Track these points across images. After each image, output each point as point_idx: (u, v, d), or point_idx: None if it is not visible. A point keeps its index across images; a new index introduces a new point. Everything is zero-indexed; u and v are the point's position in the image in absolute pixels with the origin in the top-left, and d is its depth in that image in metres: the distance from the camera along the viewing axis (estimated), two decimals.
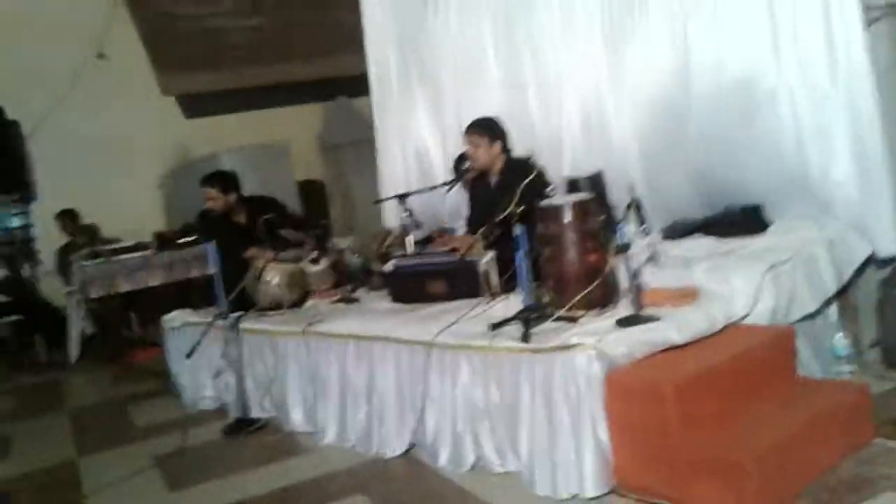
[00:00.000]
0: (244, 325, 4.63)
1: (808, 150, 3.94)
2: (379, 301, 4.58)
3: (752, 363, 3.12)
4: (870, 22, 3.76)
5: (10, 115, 8.56)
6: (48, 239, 8.94)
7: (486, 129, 4.50)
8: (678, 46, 4.39)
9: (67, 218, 8.04)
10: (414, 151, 6.34)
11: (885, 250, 3.82)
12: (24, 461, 4.62)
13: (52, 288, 8.42)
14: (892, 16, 3.88)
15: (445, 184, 4.85)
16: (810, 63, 3.88)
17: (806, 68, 3.91)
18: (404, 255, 4.61)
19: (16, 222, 8.93)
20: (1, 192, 8.54)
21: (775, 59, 4.02)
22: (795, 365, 3.33)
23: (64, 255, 7.80)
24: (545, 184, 4.09)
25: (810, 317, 3.66)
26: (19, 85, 8.63)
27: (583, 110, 5.03)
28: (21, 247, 8.83)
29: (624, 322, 3.24)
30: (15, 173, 8.59)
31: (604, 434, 2.94)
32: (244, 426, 4.44)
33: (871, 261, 3.89)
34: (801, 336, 3.47)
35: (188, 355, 4.68)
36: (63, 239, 8.11)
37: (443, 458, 3.51)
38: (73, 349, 7.04)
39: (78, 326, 7.06)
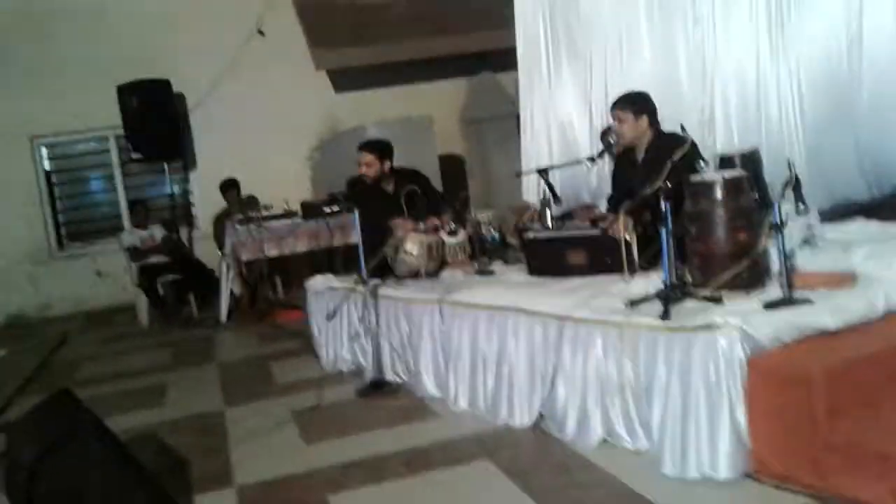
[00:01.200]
0: (382, 291, 4.74)
1: None
2: (515, 274, 4.57)
3: None
4: None
5: (176, 88, 9.11)
6: (205, 205, 9.52)
7: (633, 103, 4.36)
8: (851, 11, 4.09)
9: (231, 188, 8.48)
10: (558, 126, 6.27)
11: None
12: (177, 407, 4.95)
13: (206, 251, 8.96)
14: None
15: (590, 159, 4.75)
16: None
17: None
18: (544, 228, 4.56)
19: (176, 188, 9.53)
20: (164, 160, 9.11)
21: None
22: None
23: (220, 220, 8.27)
24: (697, 158, 3.91)
25: None
26: (185, 60, 9.21)
27: (740, 84, 4.80)
28: (180, 211, 9.42)
29: (772, 304, 3.08)
30: (177, 143, 9.14)
31: (742, 417, 2.82)
32: (378, 388, 4.56)
33: None
34: None
35: (329, 318, 4.84)
36: (220, 206, 8.58)
37: (570, 431, 3.47)
38: (224, 308, 7.45)
39: (228, 288, 7.45)
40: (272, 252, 7.45)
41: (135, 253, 8.20)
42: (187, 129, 9.64)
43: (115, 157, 9.74)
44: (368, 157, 5.23)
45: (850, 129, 4.16)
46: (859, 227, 3.79)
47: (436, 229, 5.13)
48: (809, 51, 4.35)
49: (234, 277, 7.40)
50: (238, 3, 9.45)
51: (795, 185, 3.26)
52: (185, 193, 9.91)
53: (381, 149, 5.29)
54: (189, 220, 9.73)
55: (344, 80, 9.91)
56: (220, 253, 7.65)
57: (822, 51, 4.28)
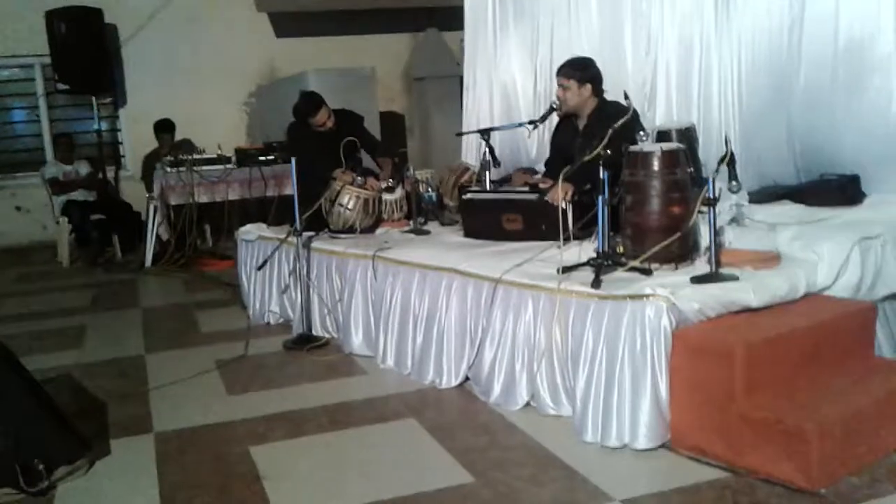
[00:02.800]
0: (316, 244, 4.68)
1: None
2: (450, 234, 4.56)
3: (829, 335, 3.00)
4: None
5: (108, 18, 8.71)
6: (134, 144, 9.19)
7: (578, 69, 4.34)
8: (794, 3, 4.15)
9: (167, 130, 8.16)
10: (501, 88, 6.24)
11: None
12: (96, 351, 4.81)
13: (132, 192, 8.67)
14: None
15: (531, 122, 4.74)
16: None
17: None
18: (482, 189, 4.55)
19: (103, 125, 9.16)
20: (92, 93, 8.73)
21: (895, 23, 3.77)
22: (873, 343, 3.18)
23: (149, 161, 7.97)
24: (638, 128, 3.93)
25: (893, 296, 3.48)
26: None
27: (683, 59, 4.84)
28: (107, 149, 9.06)
29: (700, 279, 3.15)
30: (107, 77, 8.76)
31: (664, 389, 2.90)
32: (305, 342, 4.52)
33: None
34: (882, 315, 3.31)
35: (259, 267, 4.76)
36: (150, 146, 8.29)
37: (496, 394, 3.52)
38: (149, 252, 7.25)
39: (154, 231, 7.24)
40: (203, 198, 7.25)
41: (56, 185, 7.89)
42: (118, 63, 9.26)
43: (40, 86, 9.30)
44: (326, 112, 5.26)
45: (784, 113, 4.24)
46: (786, 210, 3.88)
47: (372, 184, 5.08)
48: (752, 31, 4.40)
49: (161, 221, 7.18)
50: None
51: (731, 161, 3.31)
52: (114, 131, 9.54)
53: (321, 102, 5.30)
54: (116, 159, 9.39)
55: (286, 24, 9.64)
56: (147, 195, 7.40)
57: (763, 33, 4.33)
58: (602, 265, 3.30)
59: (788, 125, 4.24)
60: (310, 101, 5.32)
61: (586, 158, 3.45)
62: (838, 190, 3.88)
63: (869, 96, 3.89)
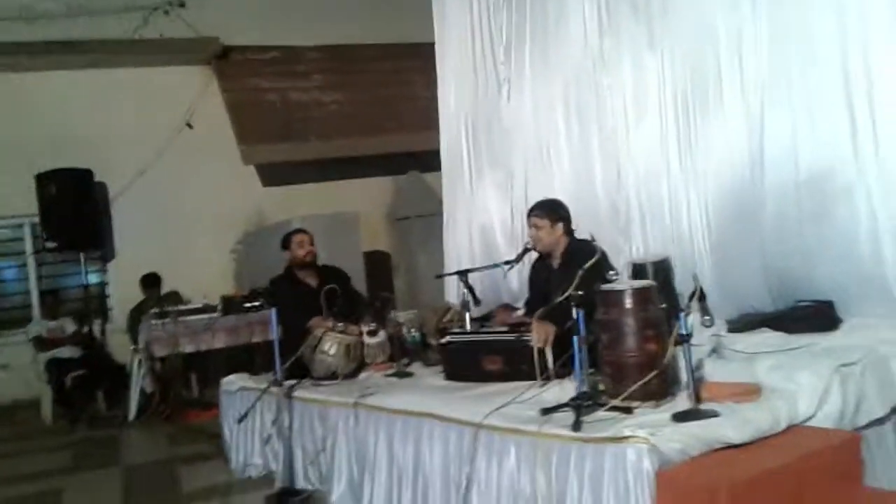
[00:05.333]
0: (298, 393, 4.63)
1: (884, 248, 3.81)
2: (433, 377, 4.53)
3: (815, 469, 2.93)
4: None
5: (99, 177, 8.97)
6: (122, 297, 9.23)
7: (549, 210, 4.47)
8: (753, 137, 4.34)
9: (153, 284, 8.21)
10: (480, 229, 6.37)
11: None
12: None
13: (119, 345, 8.63)
14: None
15: (507, 262, 4.82)
16: (889, 159, 3.77)
17: (884, 165, 3.80)
18: (462, 331, 4.56)
19: (92, 279, 9.24)
20: (80, 250, 8.85)
21: (853, 153, 3.94)
22: (862, 473, 3.11)
23: (135, 314, 8.00)
24: (607, 267, 4.00)
25: (879, 422, 3.44)
26: (109, 148, 9.08)
27: (653, 194, 4.99)
28: (93, 303, 9.10)
29: (680, 416, 3.11)
30: (96, 233, 8.92)
31: None
32: (288, 497, 4.38)
33: None
34: (869, 443, 3.26)
35: (239, 420, 4.69)
36: (138, 298, 8.32)
37: None
38: (133, 406, 7.14)
39: (139, 384, 7.16)
40: (188, 347, 7.21)
41: (40, 343, 7.86)
42: (108, 219, 9.44)
43: (28, 245, 9.42)
44: (306, 238, 5.38)
45: (754, 243, 4.33)
46: (764, 339, 3.90)
47: (355, 330, 5.08)
48: (715, 166, 4.56)
49: (145, 374, 7.12)
50: (168, 94, 9.44)
51: (701, 296, 3.35)
52: (102, 284, 9.61)
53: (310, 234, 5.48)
54: (103, 312, 9.40)
55: (272, 174, 9.93)
56: (132, 347, 7.37)
57: (727, 166, 4.49)
58: (582, 406, 3.27)
59: (761, 254, 4.32)
60: (292, 231, 5.49)
61: (558, 300, 3.49)
62: (814, 316, 3.92)
63: (836, 224, 3.99)
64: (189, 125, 9.54)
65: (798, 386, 3.29)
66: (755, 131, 4.35)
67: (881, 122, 3.80)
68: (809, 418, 3.24)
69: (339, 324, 4.99)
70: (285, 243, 5.44)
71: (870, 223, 3.86)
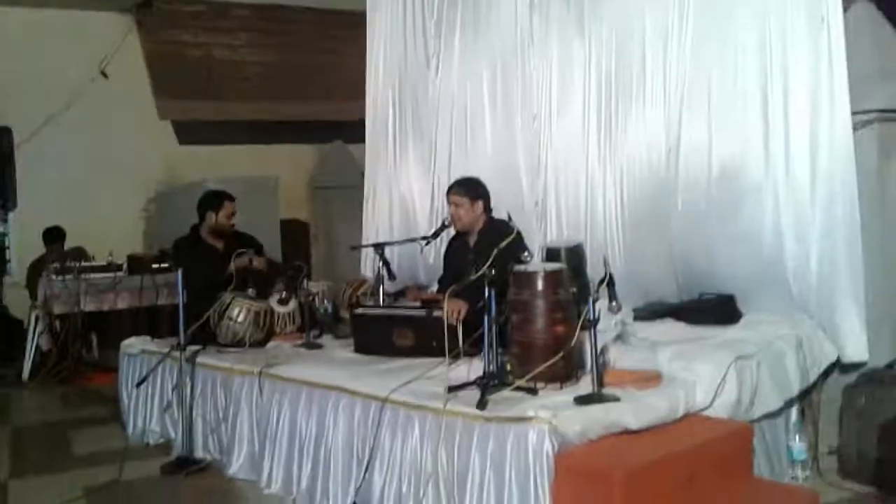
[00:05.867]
0: (201, 359, 4.51)
1: (786, 246, 3.94)
2: (342, 350, 4.48)
3: (708, 457, 3.03)
4: (859, 125, 3.78)
5: (4, 121, 8.50)
6: (22, 249, 8.81)
7: (469, 189, 4.47)
8: (671, 131, 4.42)
9: (56, 239, 7.83)
10: (400, 202, 6.32)
11: (850, 356, 3.80)
12: None
13: (16, 300, 8.23)
14: (882, 121, 3.91)
15: (424, 238, 4.80)
16: (796, 161, 3.91)
17: (791, 166, 3.94)
18: (374, 304, 4.52)
19: None
20: None
21: (764, 154, 4.06)
22: (752, 464, 3.24)
23: (35, 268, 7.64)
24: (522, 248, 4.02)
25: (771, 415, 3.59)
26: (18, 92, 8.60)
27: (571, 180, 5.04)
28: None
29: (582, 399, 3.16)
30: None
31: None
32: (185, 465, 4.28)
33: (837, 365, 3.85)
34: (759, 434, 3.39)
35: (138, 384, 4.55)
36: (38, 252, 7.95)
37: None
38: (27, 365, 6.84)
39: (34, 342, 6.87)
40: (90, 307, 6.95)
41: None
42: (11, 167, 8.95)
43: None
44: (235, 209, 5.27)
45: (665, 234, 4.43)
46: (667, 328, 4.00)
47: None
48: (632, 156, 4.64)
49: (42, 331, 6.82)
50: (84, 40, 9.00)
51: (609, 282, 3.40)
52: (1, 235, 9.16)
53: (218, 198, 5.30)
54: (1, 264, 8.96)
55: (189, 132, 9.61)
56: (30, 303, 7.05)
57: (643, 157, 4.57)
58: (488, 385, 3.29)
59: (670, 246, 4.42)
60: (220, 192, 5.28)
61: (472, 278, 3.49)
62: (716, 309, 4.03)
63: (742, 221, 4.11)
64: (104, 74, 9.11)
65: (697, 376, 3.39)
66: (673, 125, 4.43)
67: (793, 126, 3.92)
68: (706, 408, 3.34)
69: (250, 290, 4.89)
70: (215, 205, 5.22)
71: (774, 222, 3.99)
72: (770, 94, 4.01)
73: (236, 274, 4.93)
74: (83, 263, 7.03)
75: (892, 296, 3.87)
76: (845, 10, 3.82)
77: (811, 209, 3.85)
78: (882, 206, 3.90)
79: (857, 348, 3.75)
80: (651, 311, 4.24)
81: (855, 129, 3.75)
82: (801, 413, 3.76)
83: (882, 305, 3.84)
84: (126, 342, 5.23)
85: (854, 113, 3.75)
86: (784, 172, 3.96)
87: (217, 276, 4.94)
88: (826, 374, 3.86)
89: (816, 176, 3.83)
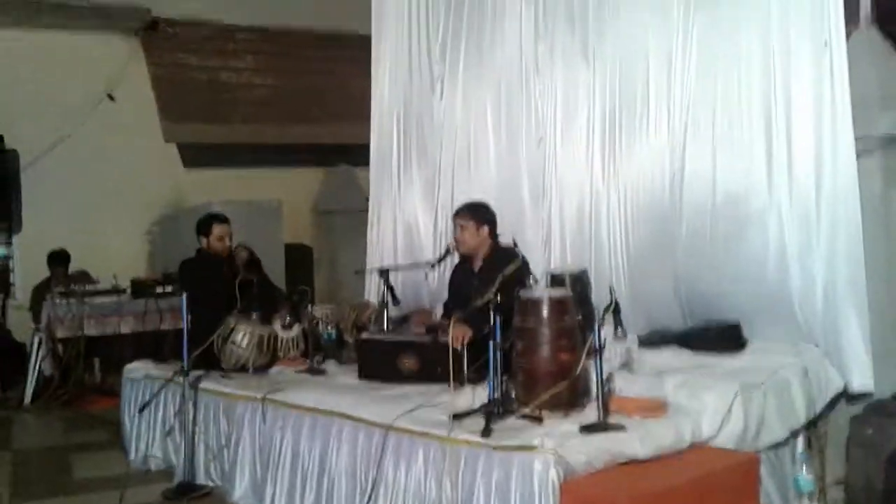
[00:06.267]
0: (204, 384, 4.50)
1: (792, 274, 3.92)
2: (346, 375, 4.46)
3: (714, 488, 3.01)
4: (863, 152, 3.78)
5: (10, 143, 8.54)
6: (26, 273, 8.81)
7: (475, 213, 4.48)
8: (675, 156, 4.42)
9: (60, 262, 7.80)
10: (405, 226, 6.31)
11: (856, 385, 3.77)
12: None
13: (20, 323, 8.22)
14: (886, 148, 3.91)
15: (429, 263, 4.79)
16: (801, 188, 3.90)
17: (796, 193, 3.92)
18: (379, 330, 4.51)
19: None
20: None
21: (768, 180, 4.05)
22: (758, 494, 3.20)
23: (39, 292, 7.64)
24: (527, 275, 4.02)
25: (777, 445, 3.56)
26: (24, 115, 8.65)
27: (576, 206, 5.03)
28: None
29: (588, 428, 3.15)
30: (3, 203, 8.49)
31: None
32: (187, 492, 4.26)
33: (843, 395, 3.82)
34: (765, 464, 3.37)
35: (141, 409, 4.54)
36: (42, 275, 7.94)
37: None
38: (29, 388, 6.82)
39: (37, 366, 6.85)
40: (93, 331, 6.94)
41: None
42: (17, 189, 8.99)
43: None
44: (228, 231, 5.25)
45: (669, 260, 4.42)
46: (673, 355, 3.97)
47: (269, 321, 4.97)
48: (636, 182, 4.63)
49: (45, 355, 6.81)
50: (90, 64, 9.06)
51: (615, 310, 3.39)
52: (6, 258, 9.17)
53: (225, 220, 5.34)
54: (5, 288, 8.96)
55: (194, 155, 9.64)
56: (33, 327, 7.04)
57: (647, 183, 4.56)
58: (493, 412, 3.27)
59: (674, 272, 4.41)
60: (211, 215, 5.30)
61: (478, 304, 3.49)
62: (721, 336, 4.01)
63: (747, 247, 4.10)
64: (111, 97, 9.17)
65: (703, 405, 3.37)
66: (677, 151, 4.43)
67: (796, 152, 3.91)
68: (712, 437, 3.32)
69: (254, 315, 4.88)
70: (204, 229, 5.25)
71: (778, 248, 3.97)
72: (774, 119, 4.01)
73: (241, 294, 4.91)
74: (87, 287, 7.02)
75: None
76: (848, 35, 3.82)
77: (816, 236, 3.83)
78: (886, 232, 3.88)
79: (863, 378, 3.72)
80: (656, 339, 4.21)
81: (858, 155, 3.74)
82: (808, 443, 3.73)
83: (888, 334, 3.81)
84: (129, 367, 5.22)
85: (857, 139, 3.74)
86: (788, 198, 3.94)
87: (226, 288, 4.93)
88: (832, 404, 3.82)
89: (821, 202, 3.81)
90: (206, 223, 5.28)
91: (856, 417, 3.72)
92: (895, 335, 3.84)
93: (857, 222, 3.71)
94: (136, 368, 5.14)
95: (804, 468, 3.55)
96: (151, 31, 9.41)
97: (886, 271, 3.84)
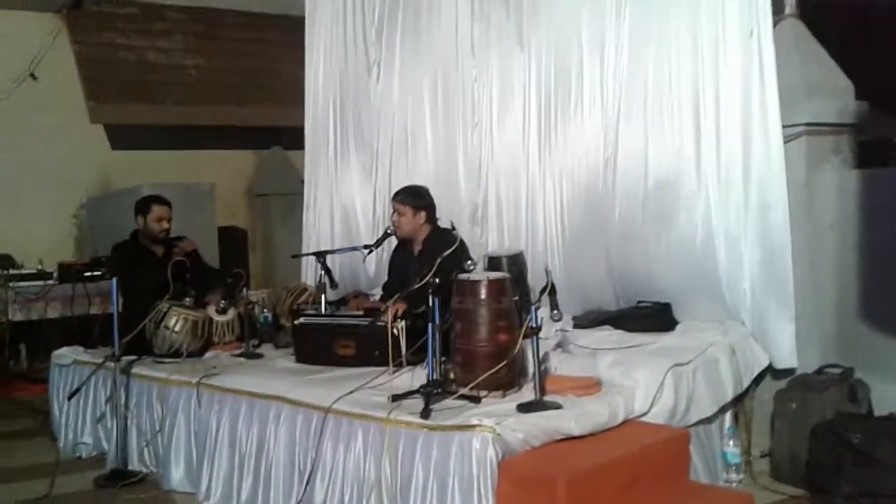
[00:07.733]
0: (136, 369, 4.42)
1: (720, 256, 4.04)
2: (283, 359, 4.43)
3: (647, 463, 3.11)
4: (788, 138, 3.91)
5: None
6: None
7: (412, 197, 4.49)
8: (609, 141, 4.50)
9: None
10: (342, 209, 6.29)
11: (781, 362, 3.92)
12: None
13: None
14: (811, 134, 4.05)
15: (366, 247, 4.78)
16: (729, 172, 4.01)
17: (724, 177, 4.03)
18: (316, 313, 4.49)
19: None
20: None
21: (696, 163, 4.14)
22: (688, 468, 3.32)
23: None
24: (465, 257, 4.04)
25: (706, 421, 3.68)
26: None
27: (512, 188, 5.09)
28: None
29: (525, 407, 3.20)
30: None
31: None
32: (119, 479, 4.18)
33: (769, 371, 3.97)
34: (694, 439, 3.48)
35: (70, 396, 4.42)
36: None
37: None
38: None
39: None
40: (18, 316, 6.72)
41: None
42: None
43: None
44: (167, 213, 5.16)
45: (603, 243, 4.51)
46: (606, 335, 4.07)
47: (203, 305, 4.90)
48: (571, 165, 4.71)
49: None
50: (12, 41, 8.68)
51: (551, 291, 3.44)
52: None
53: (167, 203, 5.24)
54: None
55: (122, 136, 9.36)
56: None
57: (582, 167, 4.65)
58: (432, 393, 3.30)
59: (608, 254, 4.50)
60: (153, 196, 5.21)
61: (415, 286, 3.50)
62: (652, 317, 4.13)
63: (677, 231, 4.20)
64: (33, 76, 8.82)
65: (635, 382, 3.47)
66: (611, 135, 4.50)
67: (724, 136, 4.01)
68: (644, 413, 3.42)
69: (188, 299, 4.79)
70: (143, 209, 5.13)
71: (706, 231, 4.08)
72: (702, 105, 4.09)
73: (173, 281, 4.82)
74: (11, 271, 6.77)
75: (820, 303, 4.00)
76: (775, 24, 3.94)
77: (743, 219, 3.95)
78: (809, 217, 4.03)
79: (787, 354, 3.87)
80: (590, 319, 4.31)
81: (784, 141, 3.87)
82: (735, 418, 3.87)
83: (810, 312, 3.97)
84: (57, 352, 5.08)
85: (783, 126, 3.87)
86: (716, 182, 4.05)
87: (155, 281, 4.83)
88: (758, 379, 3.98)
89: (749, 186, 3.93)
90: (145, 203, 5.17)
91: (780, 392, 3.85)
92: (817, 314, 4.00)
93: (783, 206, 3.84)
94: (65, 354, 5.00)
95: (731, 442, 3.68)
96: (76, 10, 9.08)
97: (809, 253, 3.99)
